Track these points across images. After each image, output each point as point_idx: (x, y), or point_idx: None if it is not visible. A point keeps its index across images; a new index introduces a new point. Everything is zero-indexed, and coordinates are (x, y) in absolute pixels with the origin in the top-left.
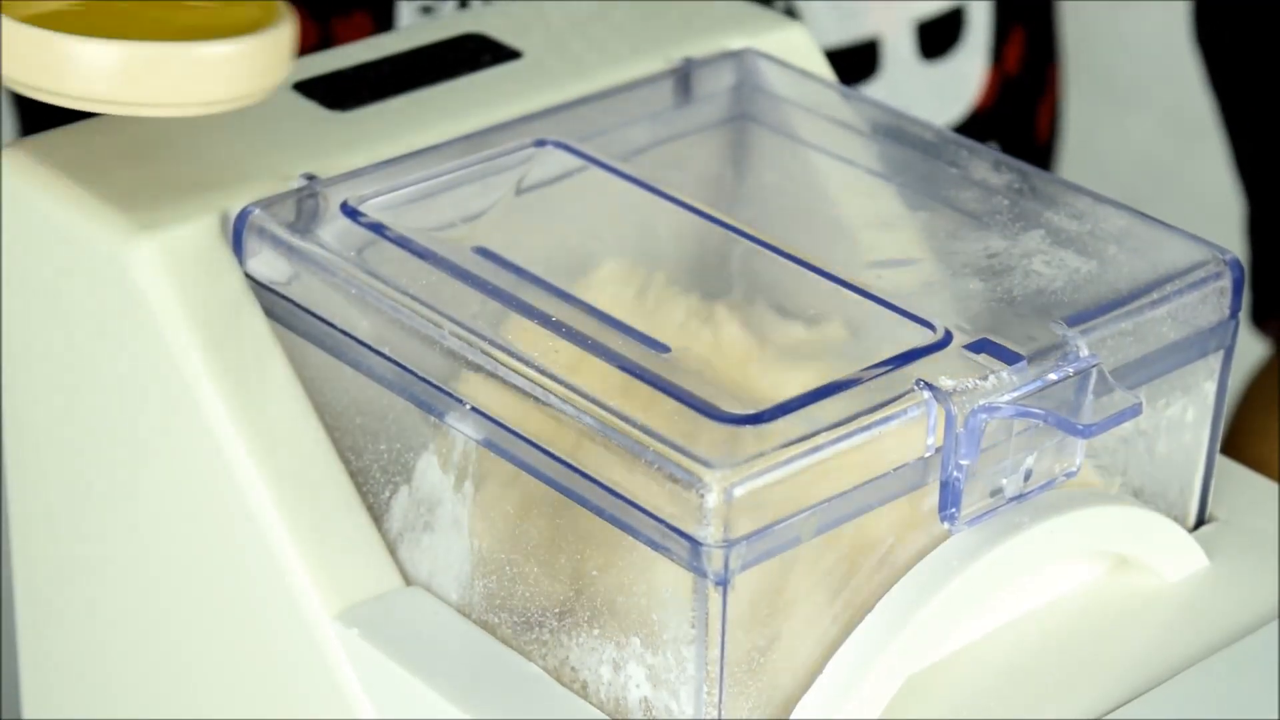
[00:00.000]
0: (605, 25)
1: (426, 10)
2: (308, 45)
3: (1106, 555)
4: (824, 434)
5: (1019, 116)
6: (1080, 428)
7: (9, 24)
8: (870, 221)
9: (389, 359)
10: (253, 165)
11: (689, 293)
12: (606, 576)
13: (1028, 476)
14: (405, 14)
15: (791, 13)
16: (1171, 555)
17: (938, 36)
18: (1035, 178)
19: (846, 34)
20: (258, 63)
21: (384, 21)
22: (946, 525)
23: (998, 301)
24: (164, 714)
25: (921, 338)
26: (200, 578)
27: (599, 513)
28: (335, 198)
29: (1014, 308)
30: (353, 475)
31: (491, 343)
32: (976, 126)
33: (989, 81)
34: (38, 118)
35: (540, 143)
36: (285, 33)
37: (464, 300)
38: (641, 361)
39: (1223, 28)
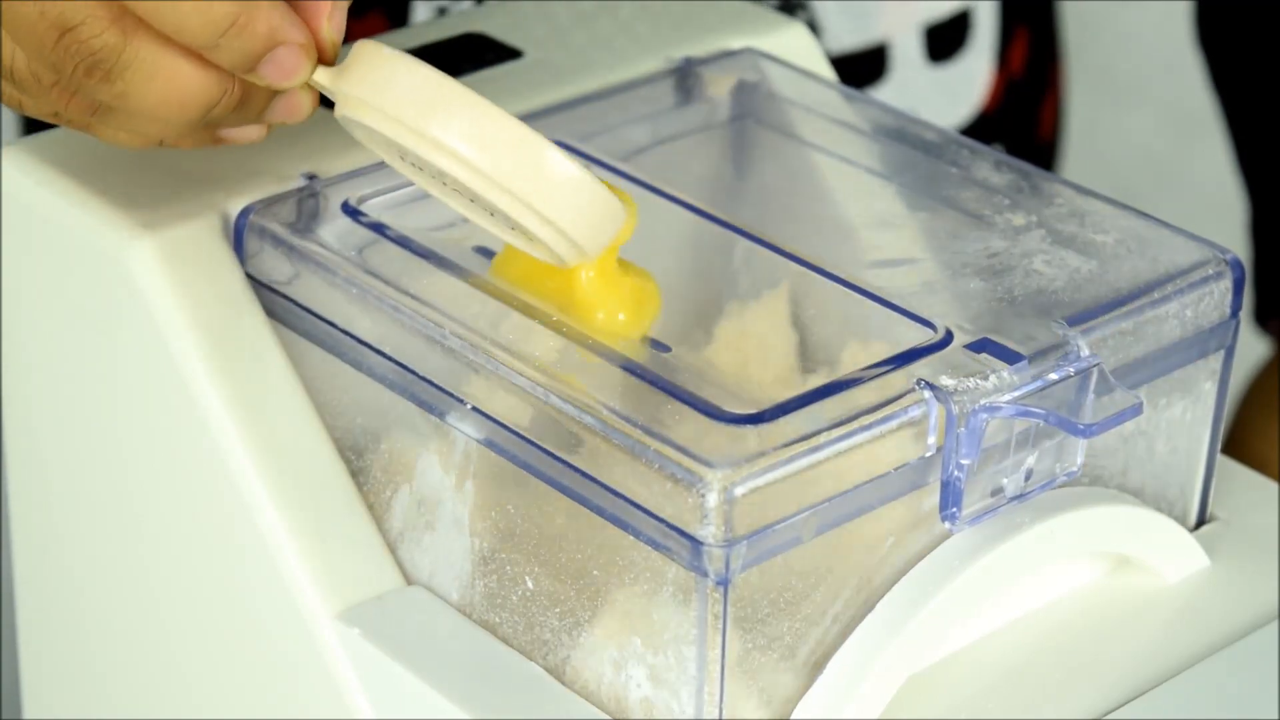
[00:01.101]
0: (605, 25)
1: (442, 12)
2: None
3: (1107, 555)
4: (825, 433)
5: (1023, 117)
6: (1081, 427)
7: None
8: (871, 221)
9: (389, 359)
10: (253, 165)
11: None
12: (607, 576)
13: (1028, 476)
14: (421, 14)
15: (812, 24)
16: (1172, 555)
17: (945, 39)
18: (1036, 177)
19: (858, 39)
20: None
21: (399, 23)
22: (947, 525)
23: (998, 301)
24: (164, 714)
25: (922, 337)
26: (200, 577)
27: (600, 512)
28: (336, 197)
29: (1015, 307)
30: (353, 475)
31: (492, 342)
32: (983, 128)
33: (994, 83)
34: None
35: None
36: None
37: (464, 300)
38: (642, 361)
39: (1225, 29)
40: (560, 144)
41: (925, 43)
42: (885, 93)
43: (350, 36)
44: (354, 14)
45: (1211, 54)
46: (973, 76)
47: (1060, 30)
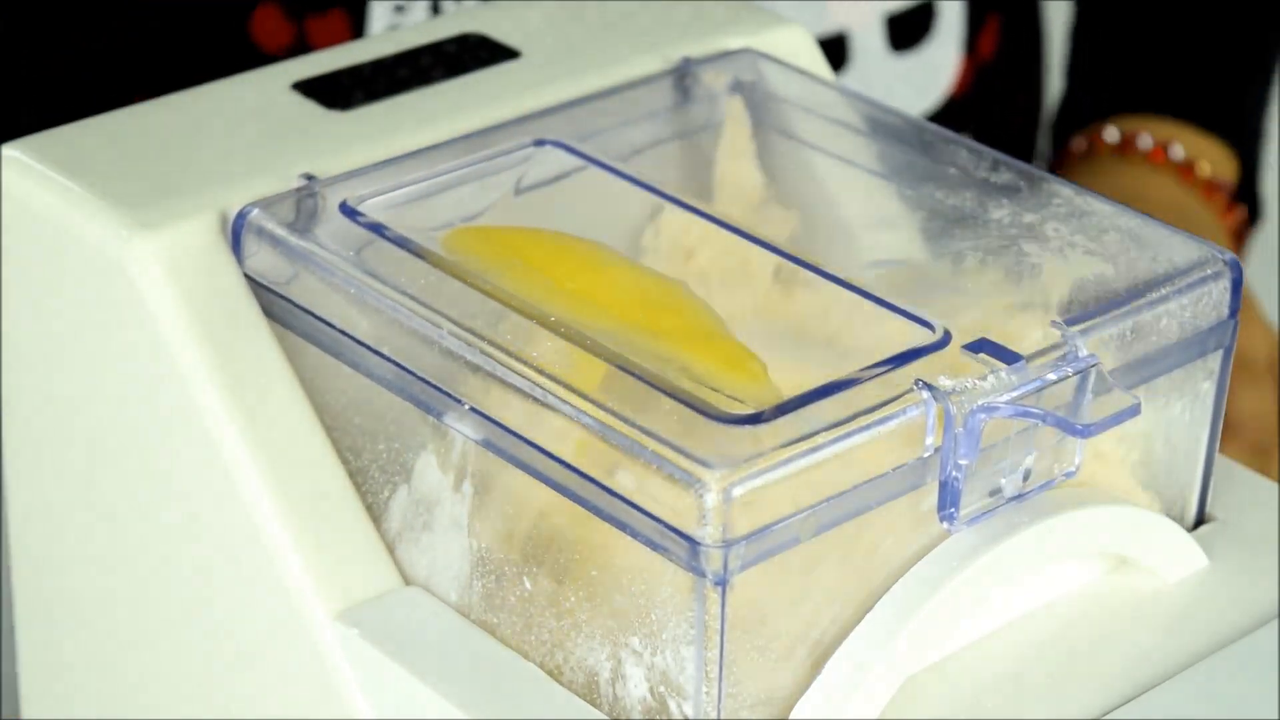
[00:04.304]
0: (604, 25)
1: (400, 10)
2: (283, 44)
3: (1106, 555)
4: (823, 434)
5: (996, 103)
6: (1079, 428)
7: None
8: (870, 221)
9: (388, 359)
10: (252, 165)
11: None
12: (606, 576)
13: (1027, 476)
14: (378, 13)
15: None
16: (1171, 555)
17: (908, 29)
18: (1034, 177)
19: (813, 29)
20: None
21: (358, 20)
22: (945, 525)
23: (997, 301)
24: (163, 714)
25: (921, 337)
26: (199, 577)
27: (599, 513)
28: (334, 197)
29: (1013, 307)
30: (352, 475)
31: (490, 343)
32: (952, 114)
33: (963, 70)
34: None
35: (539, 143)
36: None
37: (463, 300)
38: (642, 361)
39: None
40: (560, 144)
41: (887, 32)
42: (847, 82)
43: (313, 34)
44: (316, 10)
45: None
46: (939, 65)
47: (1042, 17)
